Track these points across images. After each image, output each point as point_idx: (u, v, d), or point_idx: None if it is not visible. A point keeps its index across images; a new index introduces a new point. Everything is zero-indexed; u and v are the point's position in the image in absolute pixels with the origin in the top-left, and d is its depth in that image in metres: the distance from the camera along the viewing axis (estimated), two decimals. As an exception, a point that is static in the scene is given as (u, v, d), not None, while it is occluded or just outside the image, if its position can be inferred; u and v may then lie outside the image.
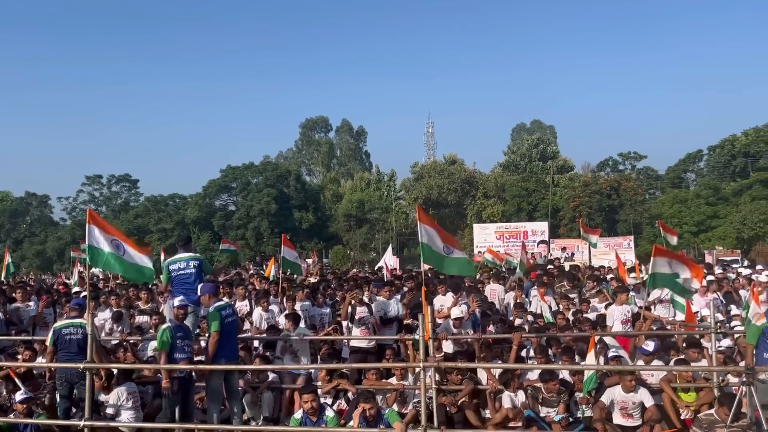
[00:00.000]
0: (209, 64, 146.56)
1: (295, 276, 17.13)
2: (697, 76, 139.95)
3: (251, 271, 23.61)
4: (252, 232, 57.03)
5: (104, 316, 11.50)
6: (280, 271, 15.23)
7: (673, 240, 14.29)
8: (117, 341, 10.20)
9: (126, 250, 8.72)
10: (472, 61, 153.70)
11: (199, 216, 59.98)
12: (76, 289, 15.00)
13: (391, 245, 34.46)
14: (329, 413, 6.88)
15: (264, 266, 23.69)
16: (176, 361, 7.58)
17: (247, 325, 11.27)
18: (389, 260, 22.73)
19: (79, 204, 72.37)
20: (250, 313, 11.72)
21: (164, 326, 7.84)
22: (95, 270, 15.11)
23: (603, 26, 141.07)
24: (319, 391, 8.75)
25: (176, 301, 8.09)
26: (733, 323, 11.72)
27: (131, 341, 9.96)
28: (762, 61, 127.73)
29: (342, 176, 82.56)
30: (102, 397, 8.43)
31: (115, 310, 11.83)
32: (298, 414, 6.94)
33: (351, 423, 6.79)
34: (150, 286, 14.28)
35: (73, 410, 8.27)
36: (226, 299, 9.69)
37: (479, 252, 36.94)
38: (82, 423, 7.24)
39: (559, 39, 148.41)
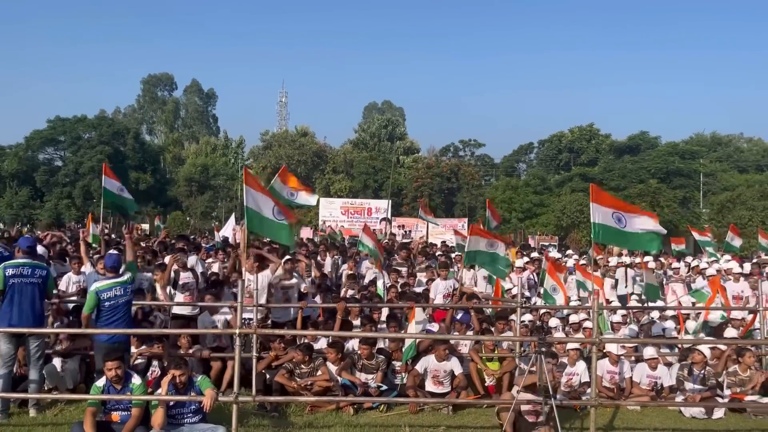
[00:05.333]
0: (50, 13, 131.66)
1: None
2: (535, 75, 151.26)
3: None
4: (80, 191, 52.54)
5: None
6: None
7: (493, 223, 15.35)
8: None
9: None
10: (331, 35, 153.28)
11: (19, 169, 54.06)
12: None
13: (234, 214, 33.51)
14: (135, 381, 6.49)
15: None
16: None
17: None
18: (230, 230, 21.99)
19: None
20: None
21: None
22: None
23: (462, 22, 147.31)
24: (134, 355, 8.30)
25: None
26: (537, 300, 12.85)
27: None
28: (590, 65, 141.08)
29: (186, 139, 78.66)
30: None
31: None
32: (100, 382, 6.47)
33: (159, 390, 6.48)
34: None
35: None
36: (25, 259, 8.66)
37: (327, 225, 37.14)
38: None
39: (417, 23, 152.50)
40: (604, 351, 9.00)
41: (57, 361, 8.30)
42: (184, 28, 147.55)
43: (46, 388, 7.93)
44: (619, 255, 16.68)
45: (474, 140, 71.89)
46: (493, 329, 9.79)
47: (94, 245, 13.21)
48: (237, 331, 6.56)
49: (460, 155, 70.70)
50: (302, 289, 10.12)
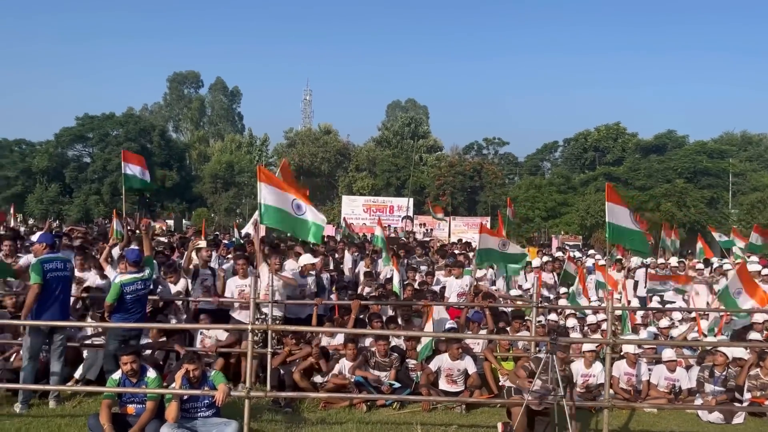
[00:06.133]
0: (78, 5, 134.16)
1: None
2: (561, 75, 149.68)
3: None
4: (108, 187, 53.36)
5: None
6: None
7: (510, 216, 15.37)
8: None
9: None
10: (354, 33, 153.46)
11: (49, 166, 55.11)
12: None
13: (258, 211, 33.72)
14: (151, 374, 6.60)
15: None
16: None
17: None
18: (252, 227, 22.14)
19: None
20: None
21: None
22: None
23: (488, 21, 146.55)
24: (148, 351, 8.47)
25: None
26: (561, 301, 12.77)
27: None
28: (617, 66, 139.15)
29: (212, 136, 79.47)
30: None
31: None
32: (116, 375, 6.60)
33: (173, 385, 6.58)
34: None
35: None
36: (63, 254, 8.87)
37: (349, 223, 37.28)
38: None
39: (443, 23, 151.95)
40: (622, 353, 8.90)
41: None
42: (210, 26, 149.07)
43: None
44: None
45: (498, 138, 71.35)
46: (508, 328, 9.75)
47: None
48: (250, 326, 6.63)
49: (484, 153, 70.25)
50: (310, 287, 10.09)
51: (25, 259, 9.32)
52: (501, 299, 11.21)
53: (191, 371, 6.53)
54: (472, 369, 8.58)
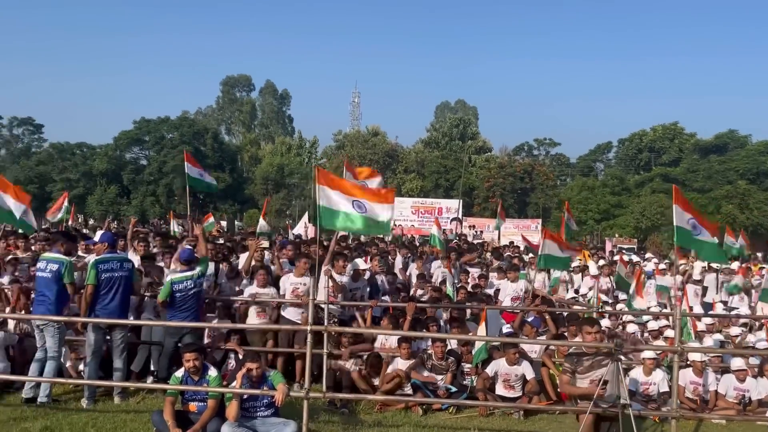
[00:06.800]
0: (129, 11, 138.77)
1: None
2: (615, 77, 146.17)
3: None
4: (163, 189, 54.98)
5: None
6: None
7: (573, 225, 14.97)
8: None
9: None
10: (404, 35, 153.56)
11: (108, 168, 57.07)
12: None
13: (307, 213, 34.15)
14: (212, 373, 6.71)
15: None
16: None
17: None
18: (301, 228, 22.42)
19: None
20: None
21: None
22: None
23: (541, 22, 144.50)
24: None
25: None
26: (618, 305, 12.41)
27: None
28: (676, 68, 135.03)
29: (263, 139, 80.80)
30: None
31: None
32: (179, 373, 6.74)
33: (234, 383, 6.67)
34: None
35: None
36: (123, 253, 9.16)
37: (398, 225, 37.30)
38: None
39: (491, 23, 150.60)
40: (688, 361, 8.57)
41: None
42: (261, 30, 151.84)
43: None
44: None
45: (549, 139, 70.19)
46: (566, 333, 9.53)
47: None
48: (309, 327, 6.65)
49: (534, 154, 69.17)
50: (362, 290, 10.07)
51: (89, 258, 9.65)
52: (558, 303, 10.97)
53: (254, 370, 6.60)
54: (530, 374, 8.41)
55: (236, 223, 49.10)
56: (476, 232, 35.13)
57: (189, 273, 8.08)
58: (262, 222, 13.20)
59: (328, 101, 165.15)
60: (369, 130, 66.99)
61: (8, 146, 70.74)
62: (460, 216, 42.79)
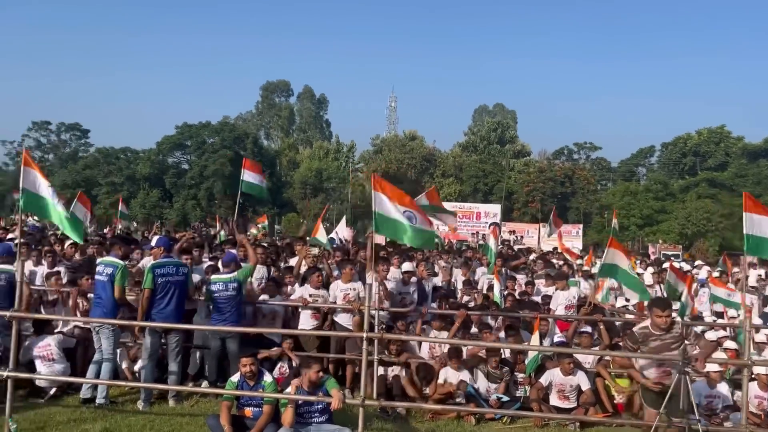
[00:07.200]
0: (173, 17, 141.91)
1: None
2: (659, 81, 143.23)
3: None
4: (204, 193, 55.81)
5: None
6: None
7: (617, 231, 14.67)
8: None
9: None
10: (440, 39, 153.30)
11: (151, 172, 58.27)
12: (10, 235, 14.31)
13: (345, 216, 34.27)
14: (267, 378, 6.73)
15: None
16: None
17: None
18: (342, 231, 22.44)
19: (23, 149, 69.53)
20: None
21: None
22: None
23: (579, 26, 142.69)
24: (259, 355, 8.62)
25: None
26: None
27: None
28: (719, 68, 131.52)
29: (301, 143, 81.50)
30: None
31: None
32: (235, 377, 6.77)
33: (288, 389, 6.66)
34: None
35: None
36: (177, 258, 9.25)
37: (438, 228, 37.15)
38: (5, 374, 6.89)
39: (531, 27, 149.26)
40: (754, 375, 8.24)
41: None
42: (300, 36, 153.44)
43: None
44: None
45: (589, 143, 69.03)
46: (621, 344, 9.26)
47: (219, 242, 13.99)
48: (365, 334, 6.60)
49: (574, 159, 68.10)
50: (411, 295, 9.97)
51: (145, 261, 9.80)
52: (610, 313, 10.68)
53: (312, 375, 6.58)
54: (585, 385, 8.21)
55: (276, 226, 49.57)
56: (516, 237, 34.72)
57: (225, 276, 8.19)
58: (322, 230, 12.68)
59: (365, 106, 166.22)
60: (406, 134, 66.97)
61: (56, 151, 72.88)
62: (499, 221, 42.41)
